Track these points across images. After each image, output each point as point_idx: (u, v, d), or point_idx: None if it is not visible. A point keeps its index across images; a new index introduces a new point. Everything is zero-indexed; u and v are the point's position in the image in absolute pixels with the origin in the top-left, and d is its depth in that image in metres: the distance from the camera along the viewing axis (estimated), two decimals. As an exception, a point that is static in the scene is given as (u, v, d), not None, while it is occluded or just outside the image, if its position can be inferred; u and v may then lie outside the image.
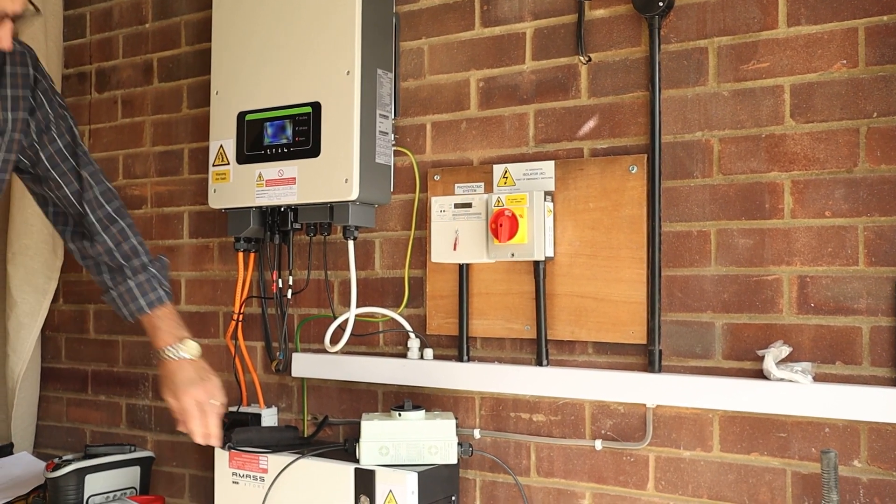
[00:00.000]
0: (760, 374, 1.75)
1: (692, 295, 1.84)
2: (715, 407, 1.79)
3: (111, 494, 2.36)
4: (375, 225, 2.21)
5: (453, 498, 2.03)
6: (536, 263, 1.97)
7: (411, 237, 2.18)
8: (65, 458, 2.33)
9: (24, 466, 2.64)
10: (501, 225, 1.93)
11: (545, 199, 1.96)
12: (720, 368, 1.81)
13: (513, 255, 1.96)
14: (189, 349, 1.87)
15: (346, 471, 1.96)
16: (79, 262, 1.94)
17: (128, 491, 2.40)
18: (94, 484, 2.32)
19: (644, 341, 1.87)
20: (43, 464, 2.64)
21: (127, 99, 2.76)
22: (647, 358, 1.86)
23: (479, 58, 2.11)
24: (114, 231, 1.86)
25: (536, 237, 1.94)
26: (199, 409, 1.82)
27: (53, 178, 1.86)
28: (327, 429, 2.28)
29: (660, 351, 1.85)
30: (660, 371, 1.85)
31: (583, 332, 1.95)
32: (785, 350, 1.73)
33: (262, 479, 2.07)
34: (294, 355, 2.29)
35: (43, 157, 1.84)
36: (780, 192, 1.76)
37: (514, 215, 1.93)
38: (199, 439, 1.82)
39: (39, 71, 1.83)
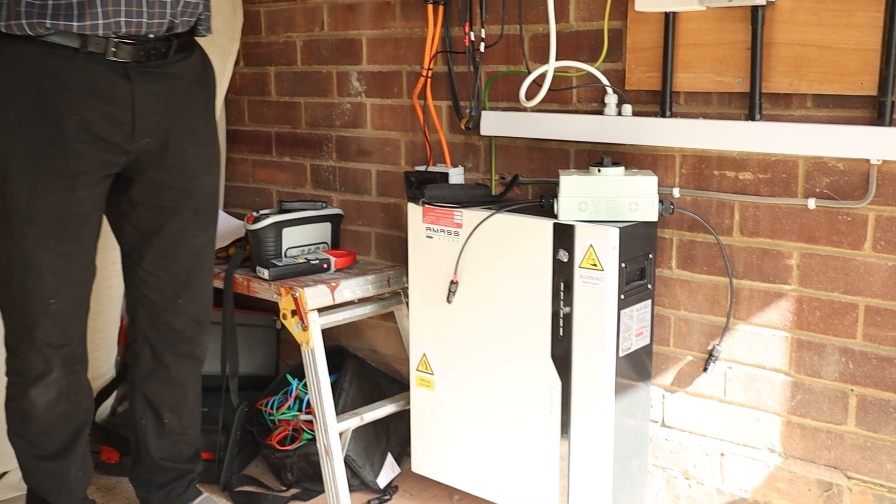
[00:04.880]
0: None
1: (937, 40, 1.66)
2: (953, 162, 1.66)
3: (306, 248, 2.45)
4: (571, -27, 2.08)
5: (650, 256, 2.00)
6: (755, 8, 1.81)
7: (612, -15, 2.04)
8: (262, 212, 2.41)
9: (220, 221, 2.77)
10: (721, -36, 1.77)
11: (770, -64, 1.78)
12: (962, 121, 1.66)
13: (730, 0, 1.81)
14: None
15: (544, 225, 1.95)
16: None
17: (320, 245, 2.49)
18: (291, 237, 2.41)
19: (875, 92, 1.72)
20: (235, 220, 2.76)
21: None
22: (877, 110, 1.72)
23: None
24: None
25: (759, -22, 1.77)
26: None
27: None
28: (515, 188, 2.26)
29: (892, 102, 1.70)
30: (890, 125, 1.71)
31: (802, 83, 1.81)
32: None
33: (457, 234, 2.09)
34: (483, 113, 2.25)
35: None
36: None
37: (735, -47, 1.76)
38: None
39: None
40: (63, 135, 1.75)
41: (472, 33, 2.19)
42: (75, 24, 1.70)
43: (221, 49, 2.74)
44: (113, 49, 1.75)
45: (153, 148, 1.87)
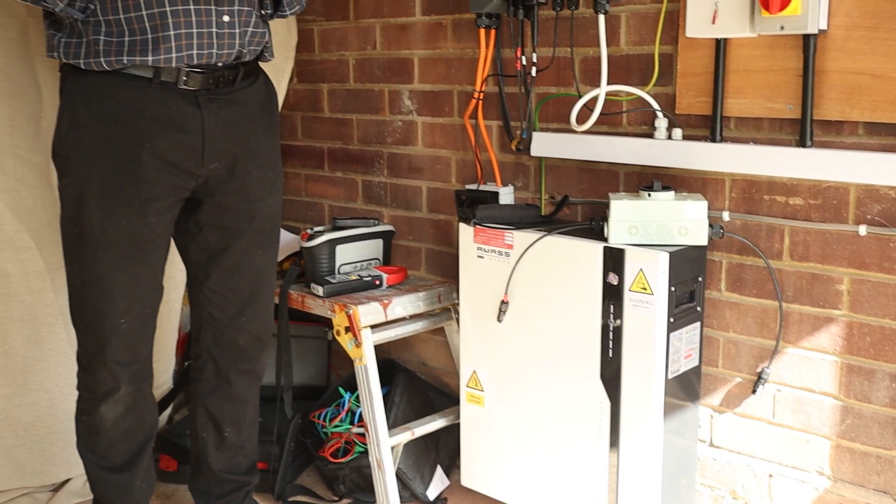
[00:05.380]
0: None
1: None
2: None
3: (358, 264, 2.51)
4: (623, -3, 2.11)
5: (699, 278, 2.02)
6: (807, 37, 1.83)
7: (663, 10, 2.06)
8: (316, 229, 2.47)
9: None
10: (773, -6, 1.79)
11: (823, -35, 1.79)
12: None
13: (782, 27, 1.82)
14: None
15: (594, 249, 1.99)
16: None
17: (372, 261, 2.55)
18: (344, 254, 2.47)
19: (927, 122, 1.73)
20: (289, 234, 2.83)
21: None
22: (930, 140, 1.73)
23: None
24: None
25: (811, 7, 1.78)
26: None
27: None
28: (565, 208, 2.29)
29: (946, 132, 1.71)
30: (943, 154, 1.72)
31: (854, 111, 1.82)
32: None
33: (508, 255, 2.13)
34: (534, 134, 2.28)
35: None
36: None
37: (787, -17, 1.78)
38: None
39: None
40: (137, 162, 1.82)
41: (523, 58, 2.23)
42: (150, 57, 1.78)
43: (276, 67, 2.80)
44: (184, 78, 1.83)
45: (220, 172, 1.94)
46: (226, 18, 1.84)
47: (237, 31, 1.87)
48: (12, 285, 2.30)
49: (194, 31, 1.79)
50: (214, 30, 1.82)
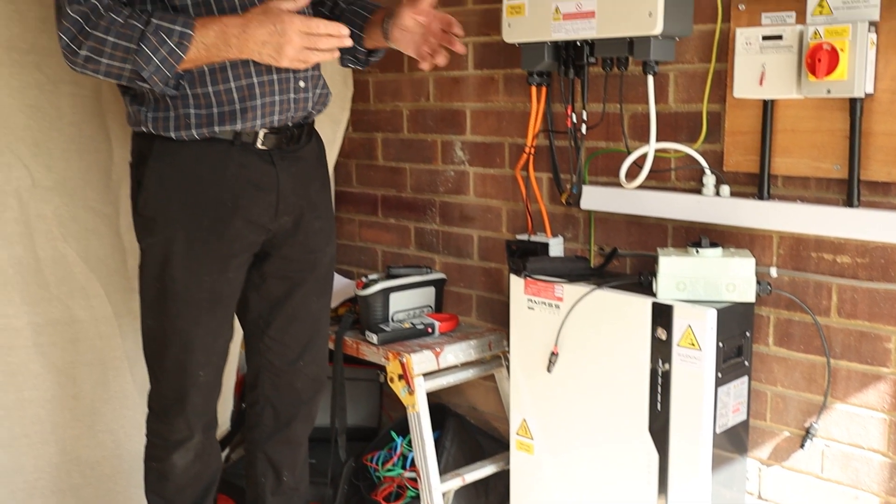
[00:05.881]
0: None
1: None
2: None
3: (411, 311, 2.58)
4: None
5: (747, 333, 2.05)
6: (853, 100, 1.86)
7: (711, 70, 2.11)
8: (370, 277, 2.55)
9: (329, 281, 2.92)
10: (820, 60, 1.82)
11: (869, 30, 1.83)
12: None
13: (829, 91, 1.86)
14: None
15: (643, 304, 2.03)
16: None
17: (424, 308, 2.62)
18: (397, 301, 2.55)
19: (975, 185, 1.75)
20: (344, 279, 2.91)
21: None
22: (977, 203, 1.75)
23: None
24: None
25: (857, 72, 1.82)
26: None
27: None
28: (613, 260, 2.34)
29: None
30: None
31: (901, 173, 1.85)
32: None
33: (558, 307, 2.19)
34: (584, 188, 2.34)
35: None
36: None
37: (833, 49, 1.82)
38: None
39: None
40: (220, 221, 1.91)
41: (573, 115, 2.29)
42: (239, 125, 1.88)
43: (333, 118, 2.91)
44: (261, 139, 1.93)
45: (288, 226, 2.03)
46: (301, 84, 1.95)
47: (310, 94, 1.97)
48: (82, 331, 2.41)
49: (277, 98, 1.90)
50: (291, 95, 1.93)
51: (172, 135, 1.88)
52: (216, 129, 1.87)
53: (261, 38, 1.76)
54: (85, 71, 1.79)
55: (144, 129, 1.90)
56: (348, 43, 1.81)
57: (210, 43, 1.76)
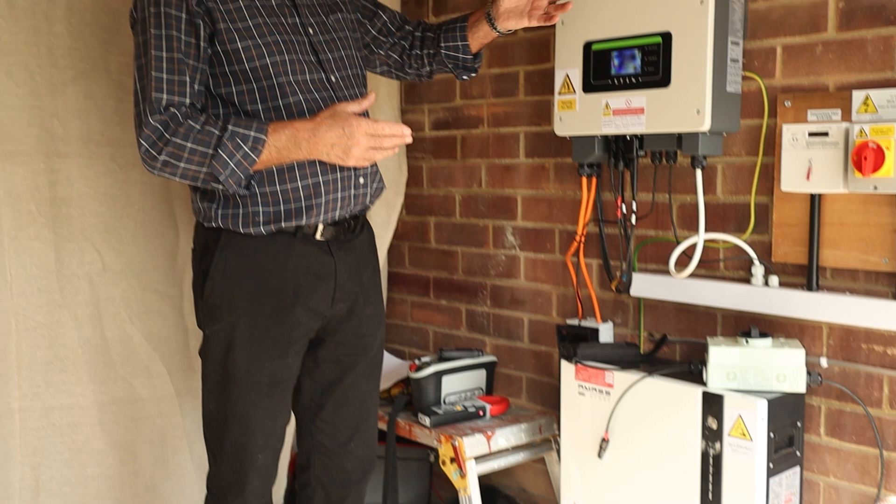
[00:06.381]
0: None
1: None
2: None
3: (463, 393, 2.62)
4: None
5: (798, 424, 2.07)
6: (900, 196, 1.91)
7: (758, 164, 2.17)
8: (423, 360, 2.61)
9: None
10: (866, 158, 1.87)
11: (913, 129, 1.88)
12: None
13: (875, 187, 1.91)
14: None
15: (693, 393, 2.06)
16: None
17: (475, 391, 2.66)
18: (449, 384, 2.59)
19: None
20: (396, 359, 2.97)
21: (463, 23, 2.90)
22: None
23: (839, -24, 2.02)
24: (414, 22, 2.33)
25: (903, 170, 1.87)
26: None
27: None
28: (663, 347, 2.37)
29: None
30: None
31: (950, 267, 1.88)
32: None
33: (608, 394, 2.22)
34: (634, 276, 2.39)
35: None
36: None
37: (879, 147, 1.87)
38: None
39: None
40: (282, 310, 1.99)
41: (623, 205, 2.35)
42: (304, 221, 1.98)
43: (388, 202, 3.00)
44: (321, 231, 2.01)
45: (343, 313, 2.10)
46: (361, 181, 2.04)
47: (368, 189, 2.06)
48: (144, 409, 2.50)
49: (339, 195, 1.99)
50: (352, 192, 2.02)
51: (241, 230, 1.97)
52: (283, 224, 1.96)
53: (330, 140, 1.85)
54: (162, 174, 1.90)
55: (214, 224, 1.99)
56: (409, 141, 1.90)
57: (282, 146, 1.86)
